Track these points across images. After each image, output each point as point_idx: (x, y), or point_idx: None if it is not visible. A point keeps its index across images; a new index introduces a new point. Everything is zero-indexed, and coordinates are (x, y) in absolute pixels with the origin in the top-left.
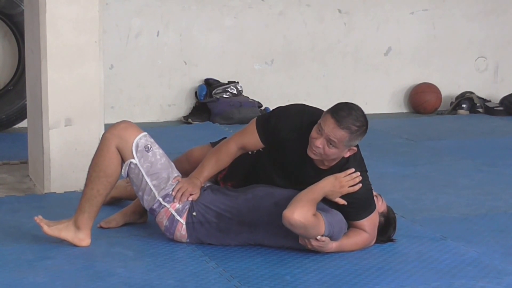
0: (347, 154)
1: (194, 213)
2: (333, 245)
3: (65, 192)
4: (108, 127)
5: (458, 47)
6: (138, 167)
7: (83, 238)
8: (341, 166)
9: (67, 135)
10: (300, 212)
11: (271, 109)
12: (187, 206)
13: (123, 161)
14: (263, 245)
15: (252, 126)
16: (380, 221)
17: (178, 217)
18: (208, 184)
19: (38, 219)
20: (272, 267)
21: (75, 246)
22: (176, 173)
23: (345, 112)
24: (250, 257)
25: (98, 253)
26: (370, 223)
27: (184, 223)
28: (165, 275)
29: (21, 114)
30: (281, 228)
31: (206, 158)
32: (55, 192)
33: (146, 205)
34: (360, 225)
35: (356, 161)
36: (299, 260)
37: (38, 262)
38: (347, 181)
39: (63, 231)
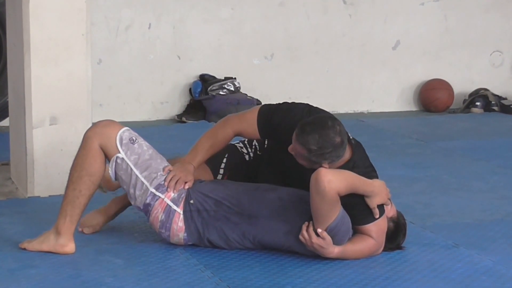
0: (327, 166)
1: (192, 201)
2: (335, 250)
3: (50, 195)
4: (90, 126)
5: (472, 40)
6: (125, 161)
7: (65, 244)
8: (346, 168)
9: (52, 135)
10: (334, 181)
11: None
12: (183, 195)
13: (108, 159)
14: (262, 243)
15: (253, 116)
16: (390, 227)
17: (174, 207)
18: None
19: (22, 245)
20: (272, 277)
21: (60, 254)
22: (166, 162)
23: (311, 128)
24: (248, 266)
25: (85, 261)
26: (377, 228)
27: (182, 212)
28: (157, 285)
29: (3, 112)
30: (282, 224)
31: (200, 141)
32: (39, 196)
33: (140, 202)
34: (366, 230)
35: (362, 162)
36: (300, 269)
37: (20, 271)
38: (389, 193)
39: (44, 242)
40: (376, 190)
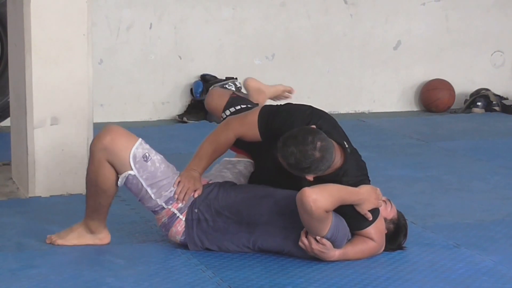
0: (311, 178)
1: (196, 210)
2: (335, 253)
3: (51, 196)
4: (95, 138)
5: (473, 40)
6: (137, 178)
7: (103, 237)
8: (336, 176)
9: (53, 135)
10: (320, 199)
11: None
12: (189, 203)
13: (117, 172)
14: (262, 249)
15: (253, 118)
16: (390, 228)
17: (178, 214)
18: (212, 180)
19: (49, 240)
20: (273, 277)
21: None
22: (176, 175)
23: (291, 142)
24: (249, 266)
25: (86, 261)
26: (376, 230)
27: (184, 219)
28: (158, 285)
29: (4, 113)
30: (280, 229)
31: (203, 147)
32: (40, 196)
33: (147, 209)
34: (365, 234)
35: (354, 171)
36: (301, 269)
37: (21, 271)
38: (380, 195)
39: (81, 238)
40: (364, 197)
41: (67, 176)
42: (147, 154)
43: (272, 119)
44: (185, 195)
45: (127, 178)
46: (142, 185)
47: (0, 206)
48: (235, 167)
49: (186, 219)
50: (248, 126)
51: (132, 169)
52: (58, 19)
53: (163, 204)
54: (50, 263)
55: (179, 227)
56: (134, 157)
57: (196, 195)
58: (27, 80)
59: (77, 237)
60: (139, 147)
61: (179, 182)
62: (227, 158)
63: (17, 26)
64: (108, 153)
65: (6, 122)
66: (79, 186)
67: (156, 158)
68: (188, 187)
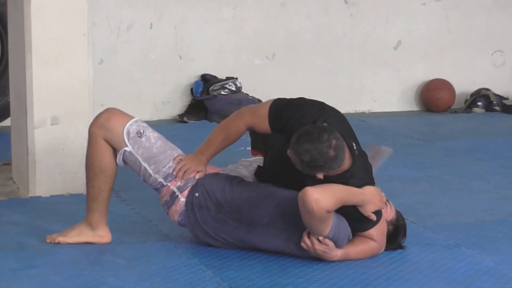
0: (321, 176)
1: (197, 194)
2: (337, 253)
3: (51, 195)
4: (93, 119)
5: (473, 40)
6: (134, 155)
7: (103, 235)
8: (343, 178)
9: (53, 135)
10: (322, 200)
11: None
12: (190, 184)
13: (115, 151)
14: (261, 249)
15: (265, 110)
16: (389, 229)
17: (178, 193)
18: (222, 171)
19: (49, 239)
20: (273, 277)
21: (97, 243)
22: (176, 152)
23: (306, 139)
24: (250, 266)
25: (86, 261)
26: (378, 232)
27: (184, 200)
28: (159, 285)
29: (4, 112)
30: (281, 231)
31: (214, 133)
32: (40, 196)
33: (150, 187)
34: (367, 235)
35: (360, 173)
36: (302, 269)
37: (22, 271)
38: (384, 197)
39: (82, 235)
40: (367, 198)
41: (68, 176)
42: (141, 130)
43: (281, 111)
44: (184, 173)
45: (124, 154)
46: (139, 161)
47: (1, 206)
48: (251, 165)
49: (186, 201)
50: (259, 117)
51: (127, 146)
52: (58, 19)
53: (162, 181)
54: (50, 263)
55: (178, 206)
56: (128, 132)
57: (197, 177)
58: (28, 80)
59: (78, 234)
60: (133, 124)
61: (180, 160)
62: (244, 158)
63: (17, 26)
64: (104, 130)
65: (7, 122)
66: (79, 186)
67: (152, 135)
68: (190, 166)
